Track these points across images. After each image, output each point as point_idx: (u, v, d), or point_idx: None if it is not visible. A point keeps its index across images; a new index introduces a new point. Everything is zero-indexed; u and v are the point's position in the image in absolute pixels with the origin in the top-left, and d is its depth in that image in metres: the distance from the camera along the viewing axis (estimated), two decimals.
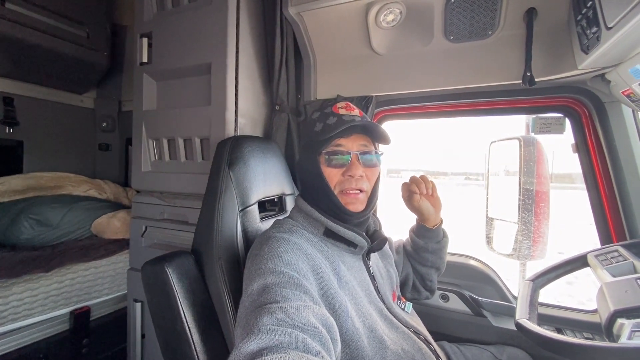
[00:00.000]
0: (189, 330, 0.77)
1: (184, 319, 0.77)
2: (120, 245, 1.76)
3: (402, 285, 1.04)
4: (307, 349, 0.44)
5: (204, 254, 0.89)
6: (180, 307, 0.77)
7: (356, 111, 0.78)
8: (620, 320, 0.66)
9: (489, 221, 1.64)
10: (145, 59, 1.37)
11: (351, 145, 0.75)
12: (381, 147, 0.84)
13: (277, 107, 1.33)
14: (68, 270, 1.50)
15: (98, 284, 1.61)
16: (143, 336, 1.32)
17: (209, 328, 0.81)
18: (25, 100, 2.07)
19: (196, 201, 1.28)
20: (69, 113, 2.33)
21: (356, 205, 0.75)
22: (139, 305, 1.31)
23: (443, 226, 1.01)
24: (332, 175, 0.74)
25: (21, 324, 1.34)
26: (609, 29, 0.76)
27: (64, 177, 2.05)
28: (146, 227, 1.39)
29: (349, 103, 0.80)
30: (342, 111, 0.76)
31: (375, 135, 0.78)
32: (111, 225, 1.84)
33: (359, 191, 0.75)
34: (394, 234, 1.12)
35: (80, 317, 1.54)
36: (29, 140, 2.11)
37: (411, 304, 0.90)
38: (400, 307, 0.85)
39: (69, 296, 1.49)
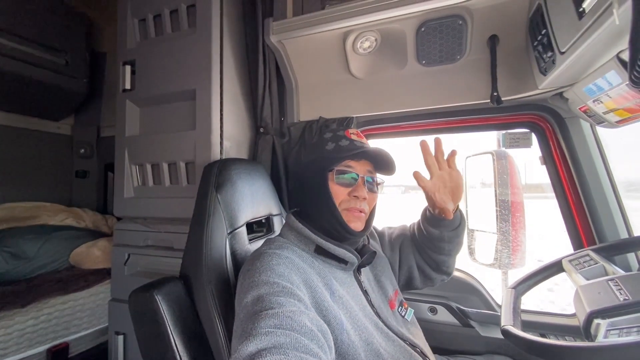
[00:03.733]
0: (180, 358, 0.75)
1: (174, 348, 0.75)
2: (100, 275, 1.70)
3: (410, 280, 1.01)
4: (306, 350, 0.44)
5: (193, 279, 0.88)
6: (170, 336, 0.76)
7: (364, 139, 0.84)
8: (596, 321, 0.70)
9: (470, 233, 1.70)
10: (128, 86, 1.38)
11: (360, 168, 0.80)
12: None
13: (261, 130, 1.36)
14: (45, 305, 1.43)
15: (77, 317, 1.53)
16: None
17: (200, 355, 0.79)
18: None
19: (181, 226, 1.26)
20: (44, 140, 2.28)
21: (357, 223, 0.78)
22: (121, 338, 1.26)
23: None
24: (339, 193, 0.77)
25: None
26: (562, 53, 0.84)
27: (39, 207, 1.98)
28: (129, 255, 1.36)
29: (359, 131, 0.86)
30: (353, 137, 0.82)
31: (383, 165, 0.83)
32: (91, 254, 1.77)
33: (360, 211, 0.78)
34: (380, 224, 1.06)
35: (57, 354, 1.45)
36: (2, 170, 2.04)
37: (412, 310, 0.91)
38: (401, 314, 0.87)
39: (45, 332, 1.41)
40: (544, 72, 0.97)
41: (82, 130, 2.47)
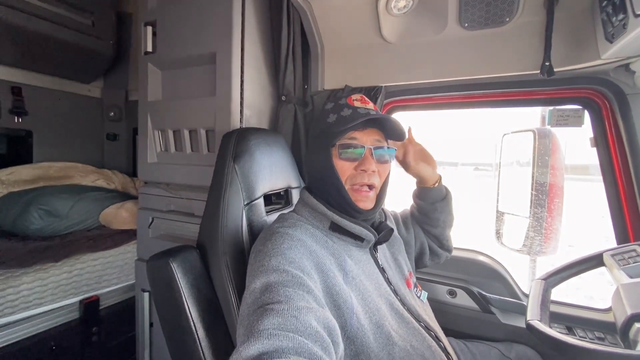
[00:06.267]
0: (194, 325, 0.77)
1: (188, 314, 0.77)
2: (128, 235, 1.78)
3: (421, 256, 1.04)
4: (308, 355, 0.43)
5: (208, 249, 0.88)
6: (185, 302, 0.77)
7: (370, 105, 0.76)
8: (637, 325, 0.63)
9: (499, 215, 1.61)
10: (149, 48, 1.35)
11: (365, 139, 0.73)
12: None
13: (283, 98, 1.30)
14: (77, 260, 1.53)
15: (107, 273, 1.63)
16: (151, 325, 1.34)
17: (214, 323, 0.81)
18: (33, 90, 2.07)
19: (202, 193, 1.27)
20: (76, 102, 2.34)
21: (366, 203, 0.73)
22: (146, 295, 1.33)
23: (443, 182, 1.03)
24: (345, 169, 0.73)
25: (32, 312, 1.37)
26: (637, 16, 0.71)
27: (72, 167, 2.07)
28: (153, 219, 1.40)
29: (364, 96, 0.78)
30: (357, 103, 0.75)
31: (390, 131, 0.77)
32: (119, 215, 1.85)
33: (369, 188, 0.73)
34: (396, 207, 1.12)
35: (89, 306, 1.57)
36: (38, 130, 2.13)
37: (426, 293, 0.90)
38: (417, 295, 0.85)
39: (78, 285, 1.52)
40: (611, 38, 0.83)
41: (111, 93, 2.51)
